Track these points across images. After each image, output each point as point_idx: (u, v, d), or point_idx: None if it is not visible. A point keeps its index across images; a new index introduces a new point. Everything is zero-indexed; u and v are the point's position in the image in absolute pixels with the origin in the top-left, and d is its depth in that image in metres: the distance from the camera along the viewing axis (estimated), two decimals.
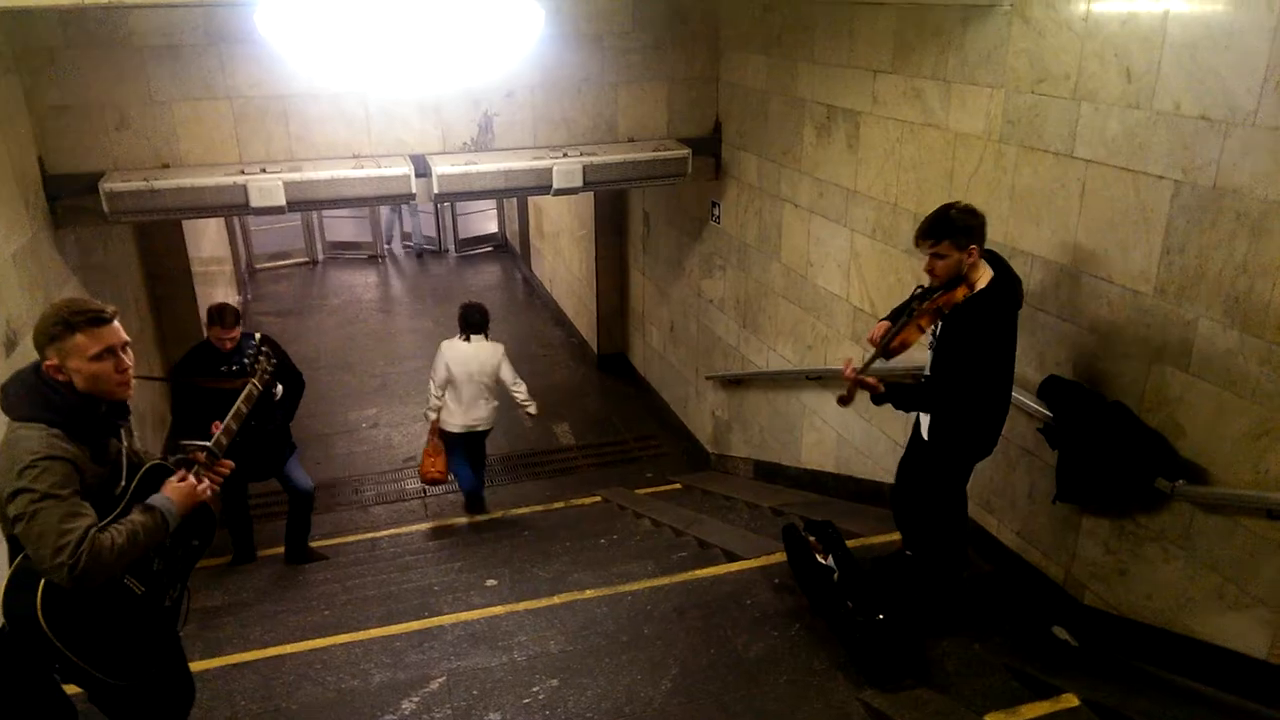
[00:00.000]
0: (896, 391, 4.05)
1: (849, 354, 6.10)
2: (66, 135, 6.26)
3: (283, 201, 6.48)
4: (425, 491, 8.50)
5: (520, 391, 7.37)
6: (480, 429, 7.45)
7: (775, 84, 6.67)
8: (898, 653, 4.16)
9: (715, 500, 7.47)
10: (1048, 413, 4.27)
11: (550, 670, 4.37)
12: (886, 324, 4.23)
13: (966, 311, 3.85)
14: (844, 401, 4.09)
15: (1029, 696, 3.91)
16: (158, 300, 9.30)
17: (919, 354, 4.41)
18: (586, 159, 7.13)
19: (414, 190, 6.84)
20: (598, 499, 8.11)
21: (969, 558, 4.90)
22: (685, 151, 7.40)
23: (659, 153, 7.35)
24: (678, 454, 9.28)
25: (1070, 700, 3.80)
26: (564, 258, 12.76)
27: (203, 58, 6.43)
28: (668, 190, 8.79)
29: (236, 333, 5.83)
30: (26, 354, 4.84)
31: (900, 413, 5.47)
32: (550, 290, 13.92)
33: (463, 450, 7.61)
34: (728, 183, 7.67)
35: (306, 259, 16.34)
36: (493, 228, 17.31)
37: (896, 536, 5.26)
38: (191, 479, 2.97)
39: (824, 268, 6.30)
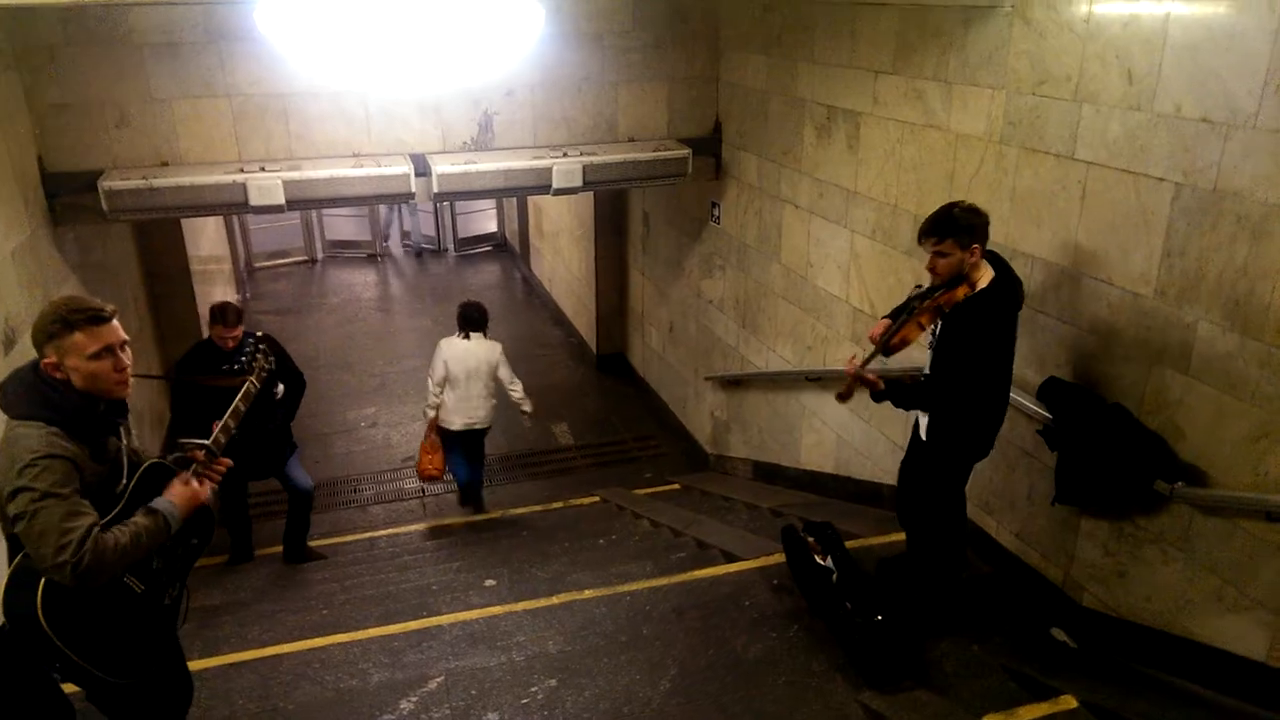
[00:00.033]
0: (896, 389, 4.05)
1: (848, 355, 6.10)
2: (66, 133, 6.25)
3: (282, 200, 6.47)
4: (424, 491, 8.49)
5: (517, 390, 7.41)
6: (479, 427, 7.46)
7: (776, 84, 6.67)
8: (896, 654, 4.16)
9: (714, 501, 7.47)
10: (1047, 414, 4.27)
11: (549, 670, 4.37)
12: (887, 322, 4.23)
13: (967, 310, 3.85)
14: (843, 397, 4.10)
15: (1027, 698, 3.92)
16: (156, 298, 9.30)
17: (918, 355, 4.41)
18: (586, 159, 7.13)
19: (414, 189, 6.84)
20: (596, 499, 8.11)
21: (968, 559, 4.90)
22: (685, 151, 7.40)
23: (659, 152, 7.34)
24: (677, 454, 9.27)
25: (1069, 702, 3.80)
26: (563, 257, 12.76)
27: (202, 55, 6.43)
28: (667, 190, 8.78)
29: (239, 331, 5.82)
30: (25, 352, 4.83)
31: (899, 414, 5.48)
32: (549, 290, 13.91)
33: (461, 448, 7.64)
34: (728, 183, 7.66)
35: (305, 258, 16.33)
36: (492, 227, 17.30)
37: (895, 538, 5.27)
38: (194, 483, 2.98)
39: (824, 268, 6.30)
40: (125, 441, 3.00)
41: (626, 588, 5.12)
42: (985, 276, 3.89)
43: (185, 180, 6.29)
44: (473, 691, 4.23)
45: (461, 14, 4.96)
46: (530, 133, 7.38)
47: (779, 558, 5.14)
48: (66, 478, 2.63)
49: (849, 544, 4.90)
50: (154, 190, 6.20)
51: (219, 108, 6.60)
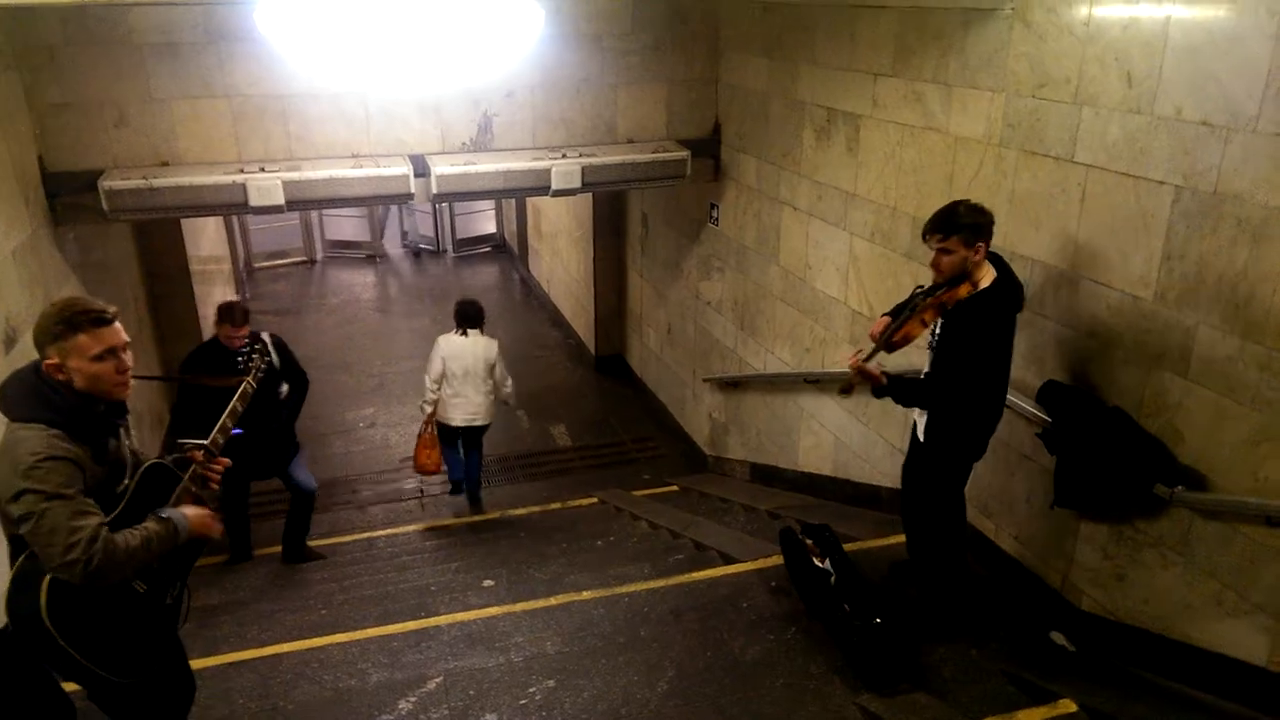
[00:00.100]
0: (897, 385, 4.06)
1: (847, 357, 6.09)
2: (66, 133, 6.25)
3: (281, 201, 6.47)
4: (422, 492, 8.50)
5: (507, 387, 7.59)
6: (479, 423, 7.57)
7: (775, 86, 6.67)
8: (895, 657, 4.16)
9: (712, 502, 7.47)
10: (1046, 417, 4.27)
11: (547, 671, 4.37)
12: (887, 320, 4.25)
13: (970, 309, 3.86)
14: (846, 392, 4.11)
15: (1026, 702, 3.92)
16: (156, 298, 9.30)
17: (917, 356, 4.41)
18: (585, 160, 7.13)
19: (413, 190, 6.84)
20: (595, 500, 8.10)
21: (968, 562, 4.90)
22: (684, 153, 7.40)
23: (658, 154, 7.35)
24: (675, 456, 9.27)
25: (1067, 706, 3.79)
26: (562, 259, 12.76)
27: (202, 56, 6.43)
28: (666, 192, 8.78)
29: (245, 331, 5.84)
30: (26, 351, 4.83)
31: (898, 417, 5.49)
32: (548, 291, 13.91)
33: (460, 444, 7.79)
34: (727, 185, 7.66)
35: (305, 258, 16.33)
36: (491, 228, 17.30)
37: (893, 540, 5.27)
38: (211, 520, 3.04)
39: (822, 271, 6.30)
40: (125, 442, 3.01)
41: (624, 589, 5.12)
42: (988, 276, 3.90)
43: (185, 180, 6.29)
44: (471, 692, 4.23)
45: (461, 15, 4.96)
46: (529, 134, 7.39)
47: (777, 560, 5.14)
48: (71, 478, 2.64)
49: (847, 546, 4.89)
50: (154, 190, 6.20)
51: (218, 108, 6.60)
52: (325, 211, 15.55)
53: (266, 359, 3.77)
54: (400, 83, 6.89)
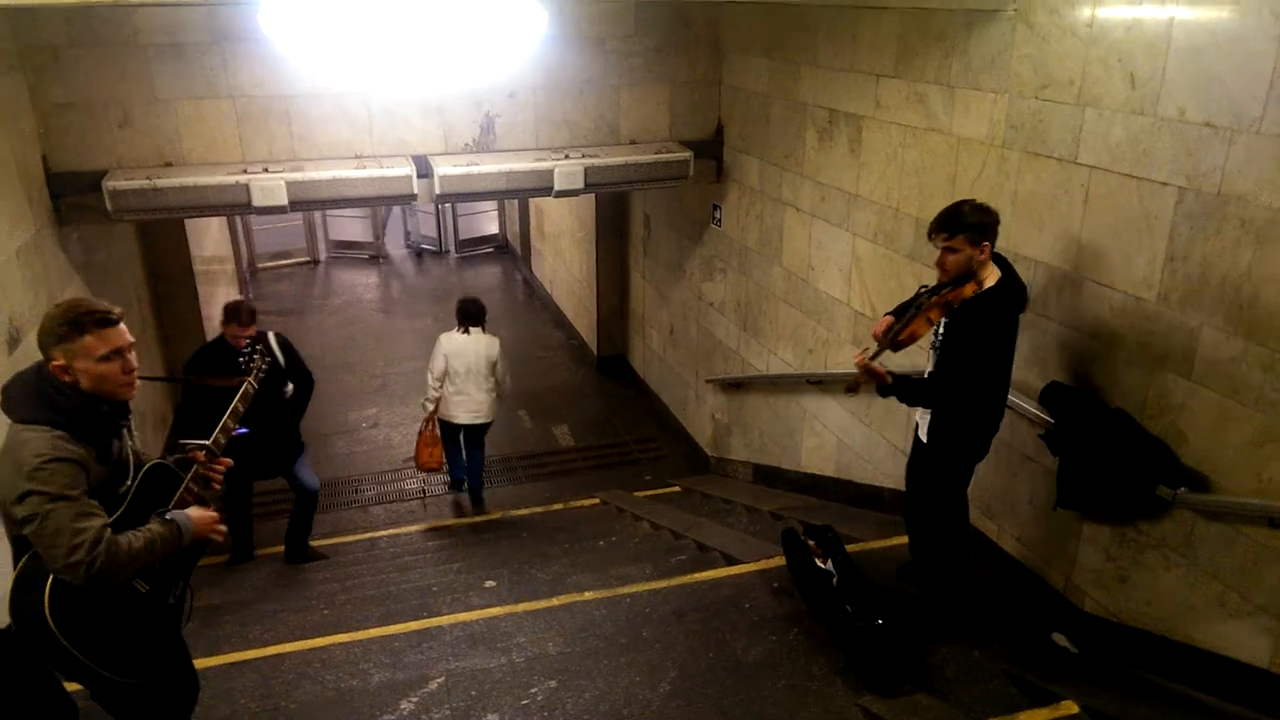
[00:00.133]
0: (903, 384, 4.06)
1: (849, 358, 6.09)
2: (70, 133, 6.26)
3: (285, 201, 6.48)
4: (425, 492, 8.50)
5: (506, 384, 7.71)
6: (481, 421, 7.64)
7: (777, 87, 6.68)
8: (897, 658, 4.16)
9: (714, 503, 7.46)
10: (1049, 419, 4.27)
11: (549, 672, 4.37)
12: (891, 319, 4.25)
13: (976, 307, 3.86)
14: (852, 390, 4.12)
15: (1028, 703, 3.91)
16: (159, 299, 9.30)
17: (918, 356, 4.41)
18: (588, 161, 7.13)
19: (416, 191, 6.84)
20: (597, 501, 8.11)
21: (970, 563, 4.90)
22: (687, 154, 7.40)
23: (660, 155, 7.35)
24: (677, 457, 9.27)
25: (1070, 707, 3.80)
26: (564, 259, 12.77)
27: (206, 57, 6.43)
28: (669, 193, 8.79)
29: (253, 330, 5.86)
30: (30, 352, 4.83)
31: (900, 418, 5.49)
32: (550, 292, 13.92)
33: (462, 442, 7.88)
34: (729, 186, 7.67)
35: (308, 258, 16.34)
36: (493, 229, 17.31)
37: (895, 541, 5.27)
38: (215, 522, 3.04)
39: (825, 272, 6.30)
40: (128, 443, 3.01)
41: (626, 590, 5.12)
42: (992, 276, 3.90)
43: (189, 181, 6.29)
44: (473, 692, 4.23)
45: (464, 16, 4.96)
46: (532, 135, 7.39)
47: (779, 561, 5.13)
48: (75, 480, 2.64)
49: (849, 547, 4.90)
50: (158, 190, 6.20)
51: (222, 109, 6.60)
52: (329, 212, 15.57)
53: (268, 359, 3.77)
54: (403, 83, 6.90)
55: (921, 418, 4.33)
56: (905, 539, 5.01)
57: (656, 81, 7.52)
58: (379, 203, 8.82)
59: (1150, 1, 3.65)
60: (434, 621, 4.91)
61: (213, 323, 9.85)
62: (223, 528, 3.08)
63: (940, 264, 3.92)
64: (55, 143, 6.22)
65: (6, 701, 3.04)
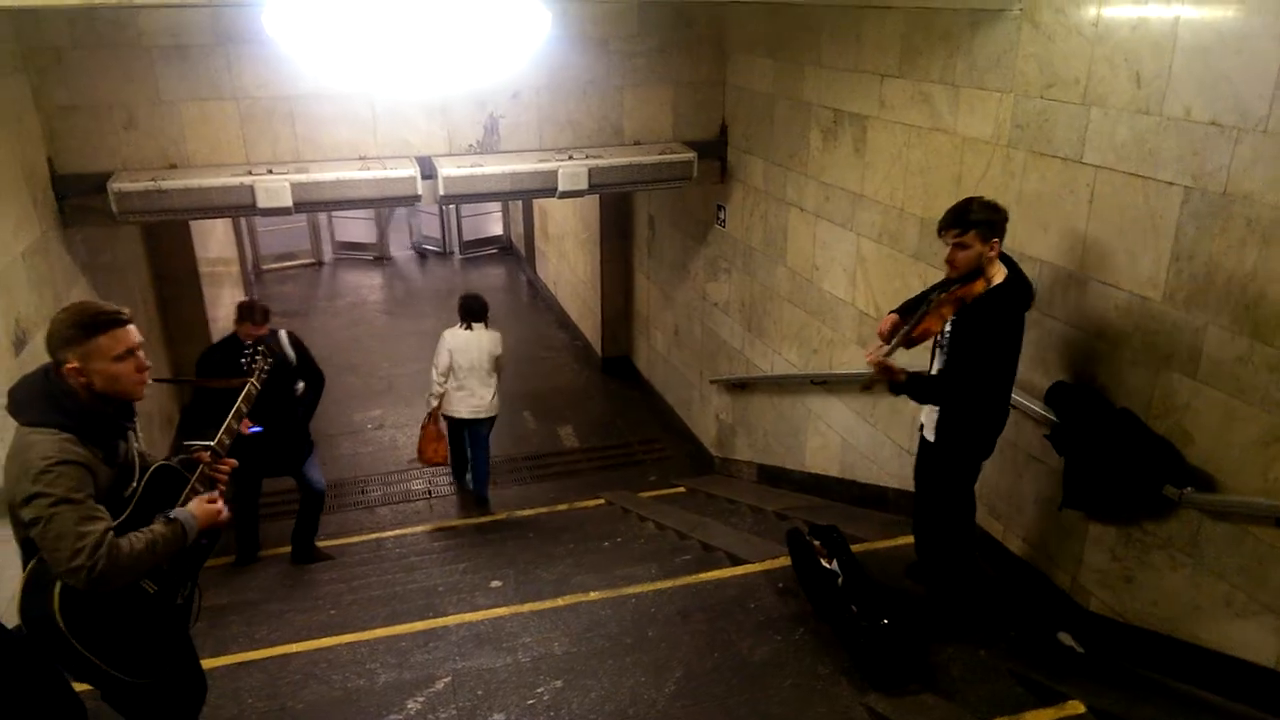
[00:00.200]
0: (915, 381, 4.06)
1: (854, 358, 6.11)
2: (75, 135, 6.27)
3: (289, 202, 6.49)
4: (430, 493, 8.51)
5: (504, 371, 7.81)
6: (484, 415, 7.69)
7: (781, 87, 6.68)
8: (902, 658, 4.16)
9: (719, 504, 7.47)
10: (1054, 418, 4.26)
11: (554, 671, 4.37)
12: (894, 317, 4.26)
13: (987, 304, 3.87)
14: (867, 387, 4.12)
15: (1034, 703, 3.91)
16: (165, 300, 9.32)
17: (920, 356, 4.41)
18: (592, 161, 7.14)
19: (420, 192, 6.85)
20: (601, 501, 8.12)
21: (977, 561, 4.90)
22: (691, 155, 7.41)
23: (664, 156, 7.35)
24: (681, 457, 9.28)
25: (1076, 707, 3.79)
26: (568, 260, 12.77)
27: (210, 58, 6.45)
28: (673, 193, 8.79)
29: (265, 329, 5.89)
30: (36, 353, 4.85)
31: (905, 418, 5.48)
32: (554, 293, 13.92)
33: (465, 437, 7.98)
34: (733, 186, 7.67)
35: (313, 260, 16.37)
36: (497, 230, 17.32)
37: (900, 541, 5.27)
38: (219, 503, 3.03)
39: (829, 272, 6.30)
40: (134, 445, 3.02)
41: (632, 590, 5.12)
42: (1000, 273, 3.91)
43: (193, 182, 6.30)
44: (479, 692, 4.24)
45: (468, 16, 4.96)
46: (536, 135, 7.40)
47: (784, 561, 5.13)
48: (81, 483, 2.65)
49: (854, 547, 4.90)
50: (162, 192, 6.22)
51: (226, 110, 6.61)
52: (335, 213, 15.59)
53: (270, 360, 3.78)
54: (407, 84, 6.91)
55: (927, 417, 4.33)
56: (910, 539, 5.01)
57: (660, 82, 7.52)
58: (383, 204, 8.82)
59: (1156, 0, 3.65)
60: (440, 621, 4.92)
61: (218, 324, 9.88)
62: (225, 510, 3.07)
63: (950, 260, 3.92)
64: (60, 145, 6.24)
65: (17, 703, 3.04)
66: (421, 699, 4.20)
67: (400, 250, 17.23)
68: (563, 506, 8.03)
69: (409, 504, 8.39)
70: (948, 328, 4.04)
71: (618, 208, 10.61)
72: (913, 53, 5.18)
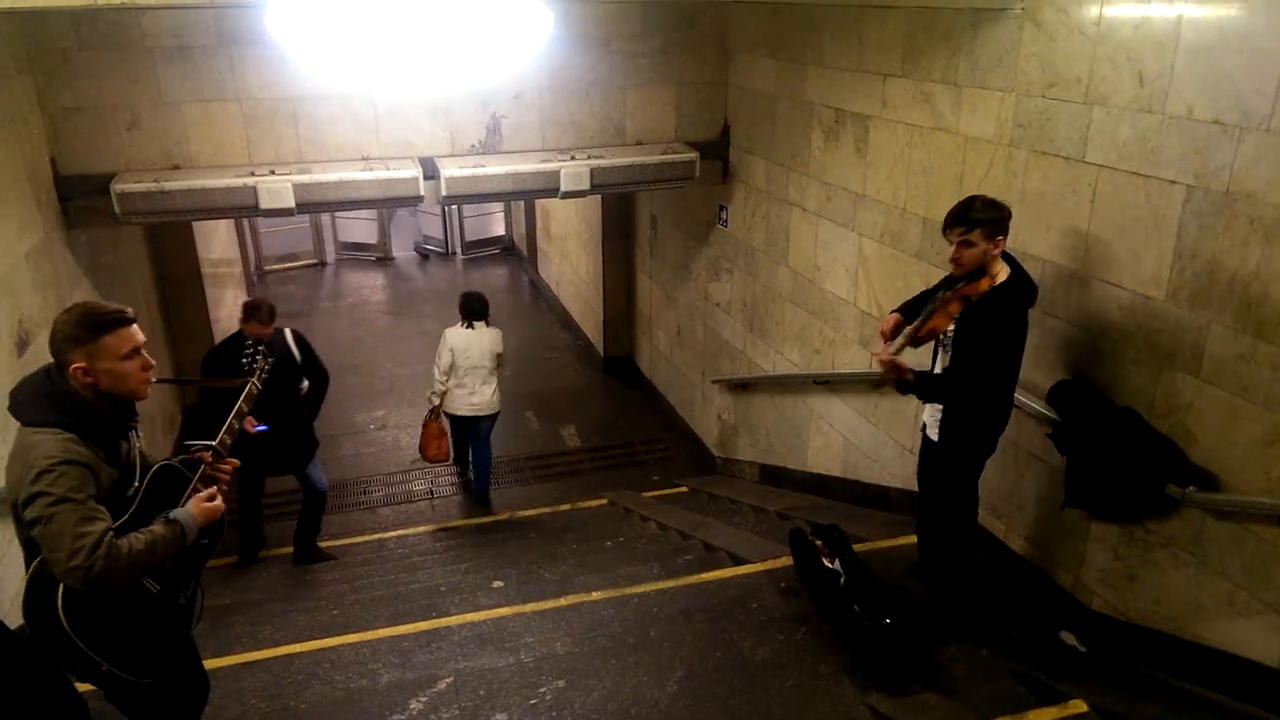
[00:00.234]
0: (922, 380, 4.06)
1: (856, 358, 6.11)
2: (79, 136, 6.28)
3: (292, 203, 6.50)
4: (433, 493, 8.52)
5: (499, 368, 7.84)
6: (485, 413, 7.75)
7: (784, 88, 6.68)
8: (905, 657, 4.16)
9: (721, 504, 7.47)
10: (1057, 417, 4.26)
11: (557, 671, 4.37)
12: (898, 317, 4.26)
13: (992, 302, 3.87)
14: (879, 385, 4.12)
15: (1036, 702, 3.91)
16: (168, 301, 9.34)
17: (922, 356, 4.41)
18: (594, 162, 7.14)
19: (422, 192, 6.86)
20: (604, 501, 8.12)
21: (980, 560, 4.89)
22: (693, 155, 7.41)
23: (666, 156, 7.36)
24: (684, 457, 9.28)
25: (1078, 706, 3.79)
26: (571, 261, 12.78)
27: (213, 59, 6.45)
28: (675, 193, 8.79)
29: (271, 328, 5.91)
30: (40, 353, 4.86)
31: (907, 417, 5.48)
32: (557, 293, 13.93)
33: (466, 434, 8.06)
34: (735, 186, 7.67)
35: (315, 260, 16.38)
36: (500, 230, 17.33)
37: (903, 541, 5.27)
38: (217, 499, 3.02)
39: (831, 272, 6.30)
40: (136, 445, 3.02)
41: (634, 590, 5.13)
42: (1003, 271, 3.92)
43: (196, 183, 6.31)
44: (481, 692, 4.24)
45: (470, 17, 4.97)
46: (538, 136, 7.40)
47: (786, 560, 5.13)
48: (82, 483, 2.65)
49: (857, 547, 4.90)
50: (165, 193, 6.23)
51: (229, 111, 6.62)
52: (339, 214, 15.60)
53: (270, 359, 3.79)
54: (409, 85, 6.91)
55: (930, 416, 4.33)
56: (913, 538, 5.01)
57: (662, 82, 7.53)
58: (386, 204, 8.83)
59: None
60: (442, 622, 4.92)
61: (220, 325, 9.90)
62: (221, 503, 3.06)
63: (956, 259, 3.91)
64: (64, 146, 6.25)
65: (20, 703, 3.05)
66: (424, 699, 4.21)
67: (403, 251, 17.24)
68: (565, 506, 8.04)
69: (411, 504, 8.40)
70: (950, 326, 4.04)
71: (620, 208, 10.61)
72: (915, 52, 5.18)
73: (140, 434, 3.08)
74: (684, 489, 8.35)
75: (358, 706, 4.20)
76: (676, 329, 9.53)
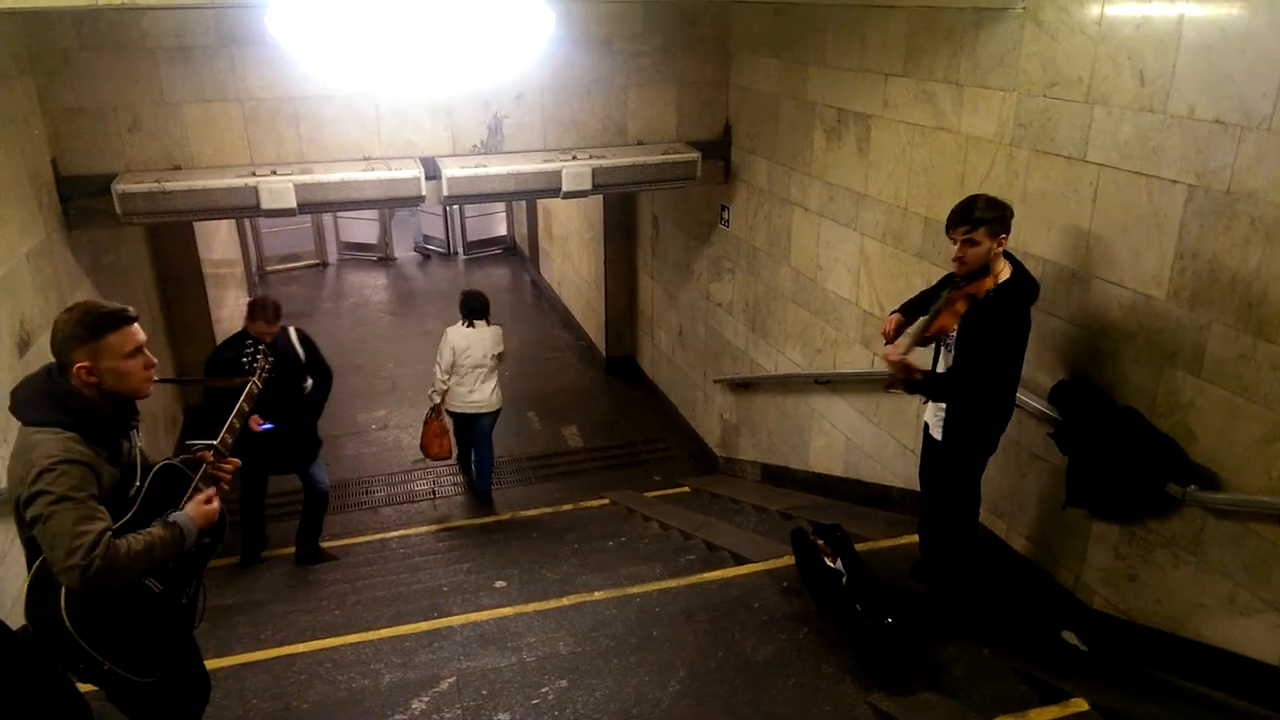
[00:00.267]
0: (933, 379, 4.06)
1: (858, 358, 6.11)
2: (80, 137, 6.29)
3: (293, 204, 6.50)
4: (435, 493, 8.52)
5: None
6: (486, 410, 7.81)
7: (786, 87, 6.68)
8: (906, 656, 4.16)
9: (723, 503, 7.47)
10: (1058, 417, 4.26)
11: (559, 671, 4.38)
12: (899, 317, 4.27)
13: (999, 299, 3.87)
14: (890, 386, 4.13)
15: (1038, 701, 3.91)
16: (169, 301, 9.35)
17: (924, 355, 4.41)
18: (596, 162, 7.14)
19: (424, 192, 6.86)
20: (606, 501, 8.12)
21: (981, 559, 4.90)
22: (694, 155, 7.41)
23: (668, 156, 7.36)
24: (685, 457, 9.28)
25: (1079, 705, 3.79)
26: (573, 261, 12.78)
27: (214, 60, 6.46)
28: (677, 193, 8.79)
29: (277, 327, 5.92)
30: (41, 354, 4.87)
31: (909, 417, 5.48)
32: (559, 293, 13.93)
33: (468, 433, 8.14)
34: (737, 186, 7.67)
35: (317, 261, 16.38)
36: (501, 230, 17.33)
37: (905, 540, 5.27)
38: (215, 502, 3.02)
39: (833, 271, 6.30)
40: (137, 444, 3.03)
41: (636, 589, 5.13)
42: (1005, 269, 3.92)
43: (197, 183, 6.32)
44: (484, 692, 4.24)
45: (472, 17, 4.97)
46: (540, 136, 7.40)
47: (788, 560, 5.14)
48: (83, 482, 2.65)
49: (859, 546, 4.90)
50: (166, 193, 6.23)
51: (230, 111, 6.63)
52: (341, 214, 15.60)
53: (271, 359, 3.80)
54: (411, 85, 6.92)
55: (933, 416, 4.33)
56: (914, 538, 5.01)
57: (664, 82, 7.53)
58: (387, 205, 8.83)
59: None
60: (445, 621, 4.92)
61: (222, 325, 9.91)
62: (218, 504, 3.06)
63: (960, 258, 3.91)
64: (65, 146, 6.26)
65: (22, 703, 3.05)
66: (426, 699, 4.21)
67: (405, 251, 17.24)
68: (567, 506, 8.04)
69: (413, 504, 8.40)
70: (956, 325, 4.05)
71: (622, 208, 10.62)
72: (917, 52, 5.18)
73: (140, 433, 3.09)
74: (686, 489, 8.35)
75: (360, 706, 4.20)
76: (678, 329, 9.53)
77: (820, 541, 4.83)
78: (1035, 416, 4.47)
